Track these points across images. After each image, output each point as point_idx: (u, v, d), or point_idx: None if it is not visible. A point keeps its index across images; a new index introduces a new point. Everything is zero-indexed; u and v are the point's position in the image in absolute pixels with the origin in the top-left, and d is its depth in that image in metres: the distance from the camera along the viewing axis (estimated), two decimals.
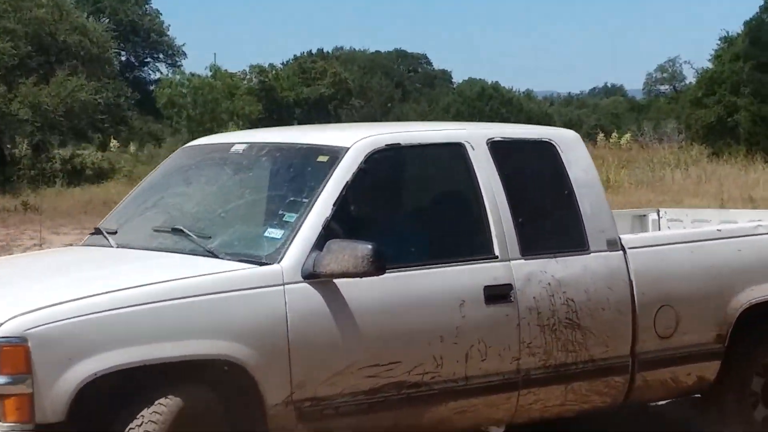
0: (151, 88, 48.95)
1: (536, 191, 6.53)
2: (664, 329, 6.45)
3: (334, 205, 5.54)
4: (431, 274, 5.81)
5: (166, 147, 39.75)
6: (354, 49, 65.68)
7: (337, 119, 46.49)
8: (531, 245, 6.13)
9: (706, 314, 6.69)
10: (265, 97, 46.66)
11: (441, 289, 5.82)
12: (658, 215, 9.02)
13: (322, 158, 5.90)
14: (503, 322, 5.88)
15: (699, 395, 7.01)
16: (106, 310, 5.03)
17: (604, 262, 6.32)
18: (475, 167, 6.12)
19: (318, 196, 5.58)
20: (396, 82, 63.85)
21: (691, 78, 56.81)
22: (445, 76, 72.85)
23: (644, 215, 9.21)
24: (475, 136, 6.36)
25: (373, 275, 5.30)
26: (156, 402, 5.10)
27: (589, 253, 6.26)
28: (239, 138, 7.46)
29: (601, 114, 62.66)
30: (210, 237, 5.82)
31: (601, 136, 44.09)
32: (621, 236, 6.57)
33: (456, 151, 6.22)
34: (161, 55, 54.47)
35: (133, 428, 4.96)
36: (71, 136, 36.73)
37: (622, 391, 6.47)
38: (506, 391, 6.01)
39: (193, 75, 44.40)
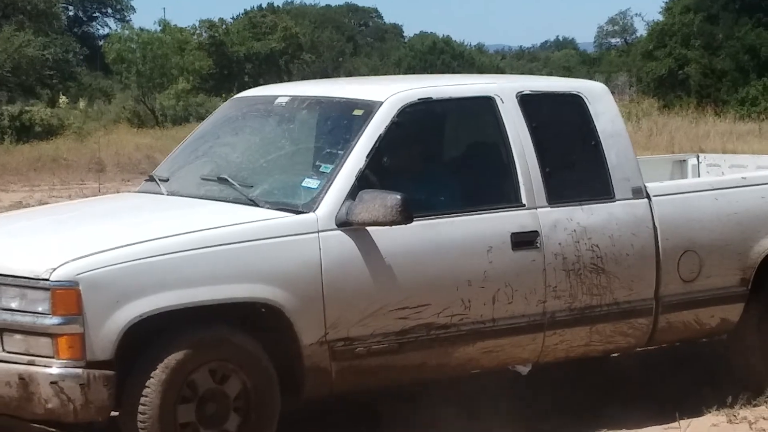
0: (100, 43, 49.14)
1: (564, 142, 6.71)
2: (687, 273, 6.62)
3: (367, 157, 5.79)
4: (460, 221, 6.04)
5: (116, 103, 40.82)
6: (304, 3, 66.47)
7: (288, 74, 46.96)
8: (557, 194, 6.33)
9: (729, 259, 6.87)
10: (215, 53, 47.10)
11: (469, 236, 6.05)
12: (698, 160, 9.10)
13: (358, 112, 6.13)
14: (529, 267, 6.10)
15: (724, 336, 7.22)
16: (152, 256, 5.35)
17: (629, 209, 6.50)
18: (504, 120, 6.31)
19: (352, 149, 5.84)
20: (347, 36, 64.39)
21: (642, 31, 57.73)
22: (396, 30, 73.54)
23: (684, 160, 9.27)
24: (505, 89, 6.51)
25: (401, 224, 5.55)
26: (198, 343, 5.45)
27: (615, 201, 6.45)
28: (283, 91, 7.62)
29: (552, 67, 62.87)
30: (252, 186, 6.09)
31: None
32: (646, 184, 6.71)
33: (486, 104, 6.41)
34: (110, 10, 54.80)
35: (176, 368, 5.28)
36: (19, 92, 36.84)
37: (646, 333, 6.71)
38: (532, 332, 6.25)
39: (142, 30, 44.10)
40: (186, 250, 5.47)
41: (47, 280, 5.16)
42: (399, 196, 5.52)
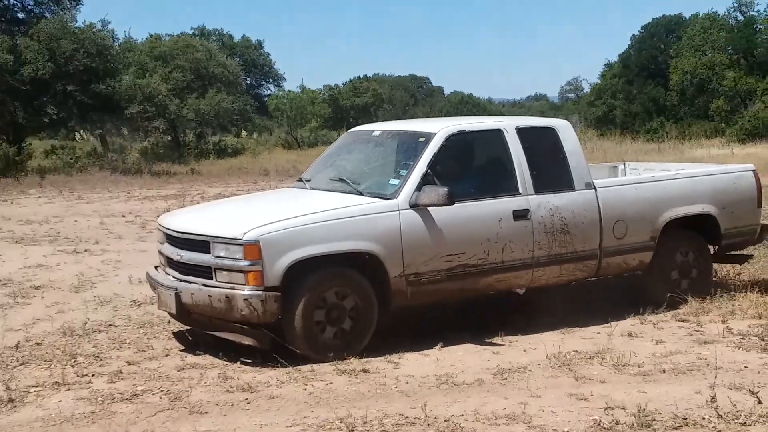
0: (265, 99, 64.29)
1: (544, 156, 8.44)
2: (619, 234, 8.59)
3: (427, 166, 7.85)
4: (482, 203, 8.02)
5: (275, 134, 56.43)
6: (385, 74, 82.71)
7: (376, 118, 60.63)
8: (540, 187, 8.23)
9: (644, 225, 8.76)
10: (332, 104, 62.25)
11: (488, 212, 7.99)
12: (624, 166, 10.99)
13: (421, 139, 8.20)
14: (523, 231, 8.08)
15: (640, 272, 9.15)
16: (301, 225, 7.39)
17: (583, 195, 8.44)
18: (508, 143, 8.27)
19: (418, 161, 7.90)
20: (410, 94, 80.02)
21: (587, 89, 69.95)
22: (439, 90, 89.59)
23: (616, 166, 11.11)
24: (509, 124, 8.49)
25: (447, 205, 7.60)
26: (327, 276, 7.45)
27: (575, 191, 8.43)
28: (376, 127, 9.43)
29: (533, 112, 74.72)
30: (359, 183, 8.20)
31: None
32: (594, 180, 8.63)
33: (497, 134, 8.36)
34: (270, 80, 71.90)
35: (314, 290, 7.29)
36: (218, 129, 48.77)
37: (594, 269, 8.69)
38: (525, 269, 8.23)
39: (289, 91, 60.52)
40: (321, 221, 7.43)
41: (241, 239, 7.12)
42: (446, 189, 7.54)
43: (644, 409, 5.80)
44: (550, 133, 8.67)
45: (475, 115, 58.11)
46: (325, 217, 7.50)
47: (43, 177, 28.63)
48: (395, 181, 7.93)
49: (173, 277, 7.77)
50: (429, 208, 7.67)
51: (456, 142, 8.18)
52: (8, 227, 16.87)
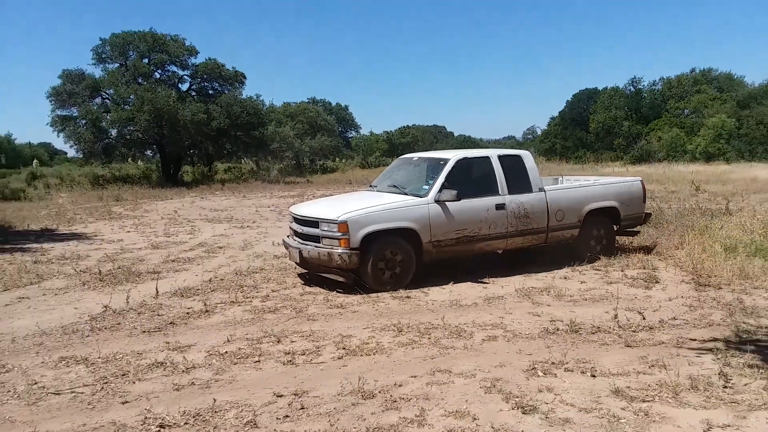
0: (350, 139, 63.21)
1: (514, 173, 8.26)
2: (559, 218, 8.48)
3: (445, 179, 7.75)
4: (478, 200, 7.90)
5: (355, 160, 50.62)
6: (416, 124, 79.52)
7: (414, 150, 58.16)
8: (512, 190, 8.12)
9: (574, 213, 8.61)
10: (387, 142, 58.43)
11: (481, 205, 7.89)
12: (562, 178, 10.41)
13: (442, 162, 8.09)
14: (501, 216, 8.02)
15: (572, 241, 8.76)
16: (371, 212, 7.37)
17: (537, 195, 8.32)
18: (493, 165, 8.18)
19: (440, 175, 7.81)
20: (434, 136, 76.83)
21: (539, 131, 67.97)
22: (450, 133, 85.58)
23: (557, 178, 10.51)
24: (493, 153, 8.39)
25: (456, 201, 7.56)
26: (389, 242, 7.41)
27: (532, 193, 8.30)
28: (415, 155, 9.14)
29: (507, 146, 71.83)
30: (405, 188, 8.12)
31: None
32: (545, 186, 8.52)
33: (487, 159, 8.25)
34: (352, 128, 70.10)
35: (378, 250, 7.26)
36: (323, 157, 46.54)
37: (544, 239, 8.42)
38: (503, 238, 8.10)
39: (363, 134, 60.86)
40: (383, 209, 7.43)
41: (337, 219, 7.22)
42: (456, 191, 7.52)
43: (574, 322, 5.79)
44: (518, 158, 8.51)
45: (471, 148, 58.02)
46: (385, 207, 7.50)
47: (223, 184, 29.05)
48: (426, 187, 7.89)
49: (298, 242, 7.81)
50: (446, 203, 7.63)
51: (462, 163, 8.12)
52: (204, 213, 17.13)
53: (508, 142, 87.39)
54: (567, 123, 54.94)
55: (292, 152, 43.35)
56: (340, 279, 7.40)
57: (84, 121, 29.10)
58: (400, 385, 4.35)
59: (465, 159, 8.19)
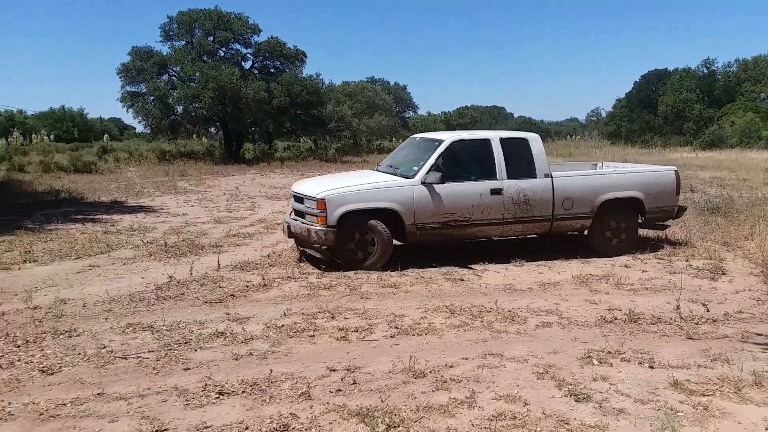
0: (407, 119, 61.70)
1: (517, 157, 7.84)
2: (567, 206, 7.96)
3: (435, 160, 7.56)
4: (471, 184, 7.62)
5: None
6: (477, 105, 77.04)
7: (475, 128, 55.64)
8: (512, 175, 7.74)
9: (586, 202, 8.02)
10: (445, 123, 58.39)
11: (473, 189, 7.61)
12: (602, 164, 9.83)
13: (437, 143, 7.87)
14: (497, 201, 7.66)
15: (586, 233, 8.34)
16: (351, 191, 7.35)
17: (542, 181, 7.83)
18: (493, 148, 7.80)
19: (431, 156, 7.63)
20: (492, 117, 72.22)
21: (604, 114, 64.12)
22: (510, 115, 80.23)
23: (596, 163, 9.94)
24: (494, 136, 7.96)
25: (440, 184, 7.39)
26: (367, 222, 7.33)
27: (536, 179, 7.84)
28: (420, 135, 8.97)
29: (568, 130, 68.59)
30: (398, 168, 7.97)
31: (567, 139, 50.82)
32: (553, 173, 7.96)
33: (487, 141, 7.88)
34: (410, 108, 68.77)
35: (353, 230, 7.25)
36: (379, 136, 45.14)
37: (548, 227, 7.99)
38: (498, 225, 7.77)
39: (421, 115, 61.15)
40: (364, 190, 7.35)
41: (316, 197, 7.25)
42: (440, 174, 7.40)
43: (633, 311, 5.66)
44: (524, 142, 8.01)
45: (532, 131, 56.28)
46: (367, 187, 7.48)
47: (282, 162, 29.49)
48: (416, 168, 7.68)
49: (292, 217, 7.99)
50: (434, 185, 7.46)
51: (458, 145, 7.82)
52: (264, 190, 17.52)
53: (570, 124, 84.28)
54: (634, 105, 52.16)
55: (350, 131, 43.49)
56: (317, 255, 7.57)
57: (152, 98, 30.11)
58: (451, 366, 4.37)
59: (461, 141, 7.89)
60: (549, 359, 4.52)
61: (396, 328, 5.24)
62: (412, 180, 7.46)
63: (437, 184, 7.38)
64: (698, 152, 33.04)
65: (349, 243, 7.34)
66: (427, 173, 7.43)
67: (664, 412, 3.67)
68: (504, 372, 4.28)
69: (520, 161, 7.81)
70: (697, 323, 5.40)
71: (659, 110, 47.97)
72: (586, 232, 8.42)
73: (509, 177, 7.73)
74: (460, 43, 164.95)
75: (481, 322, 5.42)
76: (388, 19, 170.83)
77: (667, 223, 8.77)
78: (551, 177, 7.91)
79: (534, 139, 8.06)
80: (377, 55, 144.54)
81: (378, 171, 8.39)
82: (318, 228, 7.25)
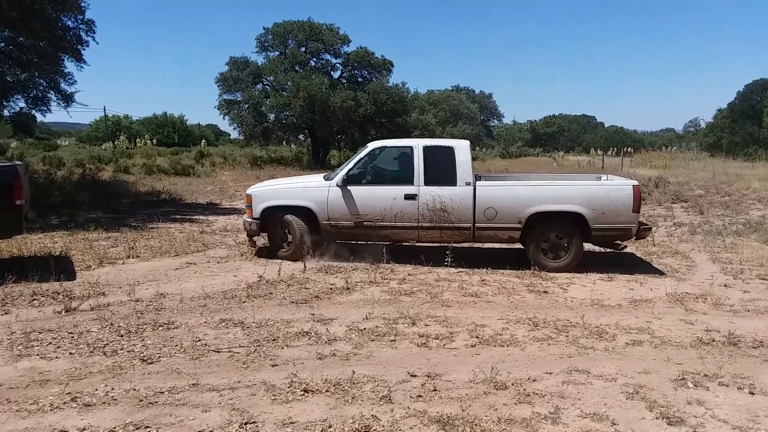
0: (491, 128, 58.70)
1: (439, 164, 7.83)
2: (489, 216, 7.74)
3: (354, 164, 8.06)
4: (384, 188, 7.92)
5: (496, 150, 48.26)
6: (565, 114, 71.45)
7: (558, 143, 53.85)
8: (429, 182, 7.79)
9: (512, 214, 7.73)
10: (531, 132, 55.91)
11: (387, 193, 7.88)
12: (607, 177, 8.73)
13: (362, 149, 8.43)
14: (411, 207, 7.83)
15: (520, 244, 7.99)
16: (273, 189, 8.33)
17: (463, 190, 7.74)
18: (415, 155, 7.92)
19: (352, 161, 8.22)
20: (581, 126, 68.41)
21: (704, 125, 60.20)
22: (601, 124, 75.24)
23: (600, 176, 8.84)
24: (418, 143, 8.03)
25: (343, 186, 7.90)
26: (284, 217, 8.12)
27: (455, 186, 7.76)
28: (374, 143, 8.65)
29: (665, 141, 62.77)
30: (333, 172, 8.43)
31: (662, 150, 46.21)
32: (477, 182, 7.84)
33: (410, 148, 8.01)
34: (495, 117, 64.95)
35: (282, 224, 8.13)
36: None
37: (470, 236, 7.87)
38: (414, 230, 7.94)
39: (507, 123, 58.30)
40: (284, 189, 8.32)
41: (247, 192, 8.44)
42: (345, 177, 7.88)
43: (733, 333, 5.33)
44: (449, 150, 7.90)
45: (623, 142, 53.17)
46: (288, 187, 8.41)
47: None
48: (335, 174, 8.24)
49: None
50: (349, 187, 7.94)
51: (379, 152, 8.20)
52: None
53: (666, 135, 79.48)
54: (737, 116, 48.80)
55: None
56: (251, 244, 8.65)
57: (246, 105, 31.50)
58: (534, 380, 4.27)
59: (383, 147, 8.22)
60: (639, 379, 4.32)
61: (477, 337, 5.19)
62: (329, 182, 8.04)
63: (352, 186, 7.84)
64: None
65: (275, 235, 8.19)
66: (344, 176, 7.91)
67: None
68: (590, 389, 4.13)
69: (442, 169, 7.79)
70: None
71: (765, 122, 44.70)
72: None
73: (427, 183, 7.78)
74: (551, 52, 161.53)
75: (567, 336, 5.26)
76: (475, 29, 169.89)
77: (624, 243, 8.05)
78: (473, 185, 7.75)
79: (461, 147, 7.93)
80: (463, 64, 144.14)
81: (322, 175, 8.78)
82: (247, 219, 8.32)
